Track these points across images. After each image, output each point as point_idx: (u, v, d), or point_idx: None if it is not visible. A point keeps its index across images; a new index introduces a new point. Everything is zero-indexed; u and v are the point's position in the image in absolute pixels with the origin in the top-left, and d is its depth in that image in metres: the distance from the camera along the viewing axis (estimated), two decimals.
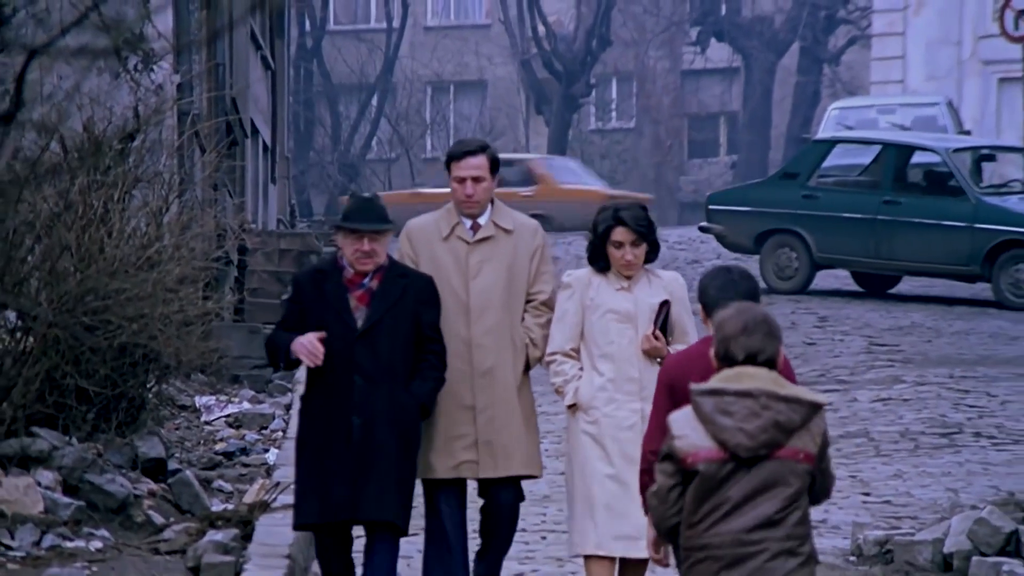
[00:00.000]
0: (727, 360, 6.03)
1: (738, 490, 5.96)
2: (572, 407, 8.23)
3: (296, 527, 8.18)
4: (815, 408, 6.00)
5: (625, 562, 8.17)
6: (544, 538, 10.41)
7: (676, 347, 8.09)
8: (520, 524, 8.60)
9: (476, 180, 8.38)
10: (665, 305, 8.17)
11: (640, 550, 7.88)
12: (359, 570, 8.12)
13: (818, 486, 6.10)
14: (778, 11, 46.23)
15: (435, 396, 8.12)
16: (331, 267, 8.17)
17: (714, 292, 6.88)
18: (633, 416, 8.11)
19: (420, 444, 8.15)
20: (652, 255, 8.30)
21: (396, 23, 46.35)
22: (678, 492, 6.03)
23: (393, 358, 8.03)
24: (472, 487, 8.49)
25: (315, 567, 8.42)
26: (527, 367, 8.48)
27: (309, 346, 7.86)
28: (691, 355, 7.04)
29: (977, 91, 35.10)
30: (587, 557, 8.19)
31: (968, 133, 28.87)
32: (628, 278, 8.23)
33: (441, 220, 8.49)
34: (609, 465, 8.12)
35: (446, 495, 8.31)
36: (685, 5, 48.25)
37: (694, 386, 6.10)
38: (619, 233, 8.16)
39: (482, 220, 8.45)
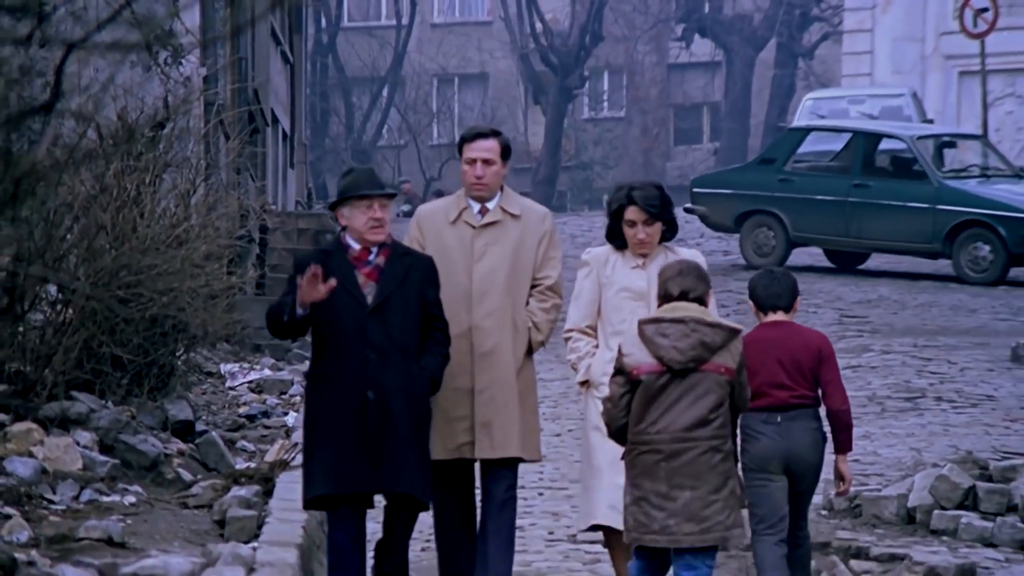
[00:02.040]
0: (666, 297, 7.04)
1: (674, 396, 6.91)
2: (584, 383, 7.80)
3: (307, 502, 7.56)
4: (734, 332, 7.00)
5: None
6: (541, 494, 10.42)
7: None
8: (519, 482, 8.11)
9: (487, 163, 7.92)
10: None
11: None
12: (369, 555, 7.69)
13: (737, 396, 7.02)
14: (757, 9, 46.15)
15: (443, 370, 7.60)
16: (335, 246, 7.63)
17: (761, 290, 7.85)
18: None
19: (431, 417, 7.64)
20: (669, 233, 7.85)
21: (405, 20, 46.29)
22: (627, 399, 6.99)
23: (404, 333, 7.49)
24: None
25: None
26: (530, 350, 7.99)
27: (307, 275, 7.24)
28: (748, 340, 7.49)
29: (939, 83, 35.06)
30: (606, 532, 7.75)
31: (931, 122, 28.84)
32: (644, 256, 7.77)
33: (450, 205, 8.05)
34: (614, 443, 7.46)
35: (449, 476, 7.87)
36: (671, 3, 48.15)
37: (641, 317, 7.15)
38: (631, 212, 7.73)
39: (490, 205, 7.97)
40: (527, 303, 7.98)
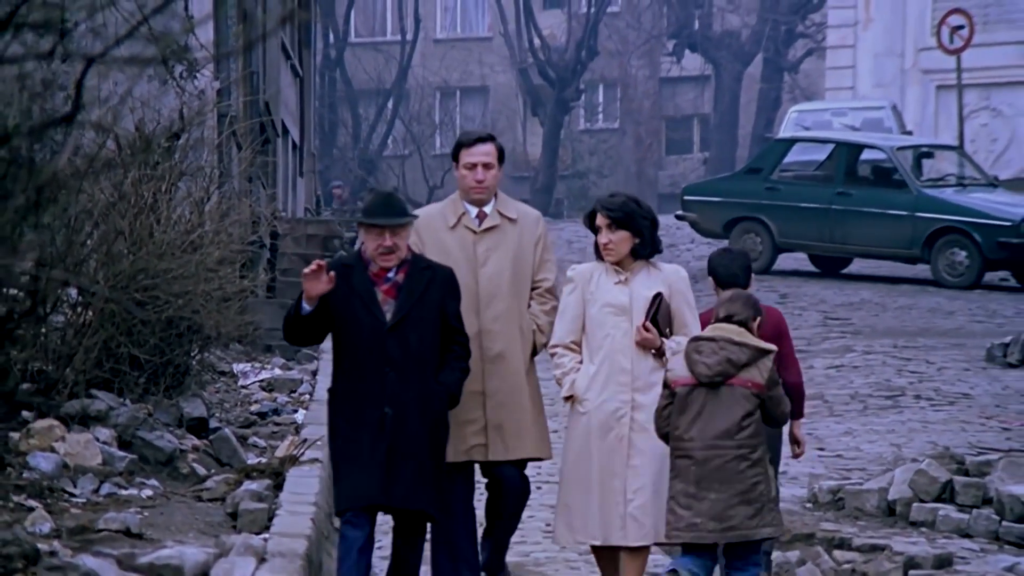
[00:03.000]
0: (716, 319, 7.45)
1: (704, 407, 7.25)
2: (569, 398, 7.51)
3: (338, 513, 7.33)
4: (762, 352, 7.32)
5: (625, 551, 7.50)
6: (539, 488, 10.40)
7: (675, 339, 7.48)
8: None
9: (486, 167, 7.66)
10: (657, 297, 7.43)
11: (624, 538, 7.39)
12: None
13: (770, 409, 7.33)
14: (744, 26, 46.16)
15: (462, 385, 7.33)
16: (356, 261, 7.29)
17: (722, 269, 8.15)
18: (624, 407, 7.43)
19: (449, 431, 7.37)
20: (645, 248, 7.51)
21: (409, 36, 46.30)
22: (670, 410, 7.33)
23: (422, 349, 7.19)
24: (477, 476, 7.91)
25: None
26: (534, 352, 7.80)
27: (309, 268, 7.07)
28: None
29: (918, 97, 35.08)
30: (594, 548, 7.57)
31: (910, 133, 28.86)
32: (621, 267, 7.48)
33: (447, 210, 7.76)
34: (602, 452, 7.41)
35: (456, 478, 7.58)
36: (663, 20, 48.14)
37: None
38: (598, 218, 7.51)
39: (488, 209, 7.72)
40: (528, 305, 7.78)
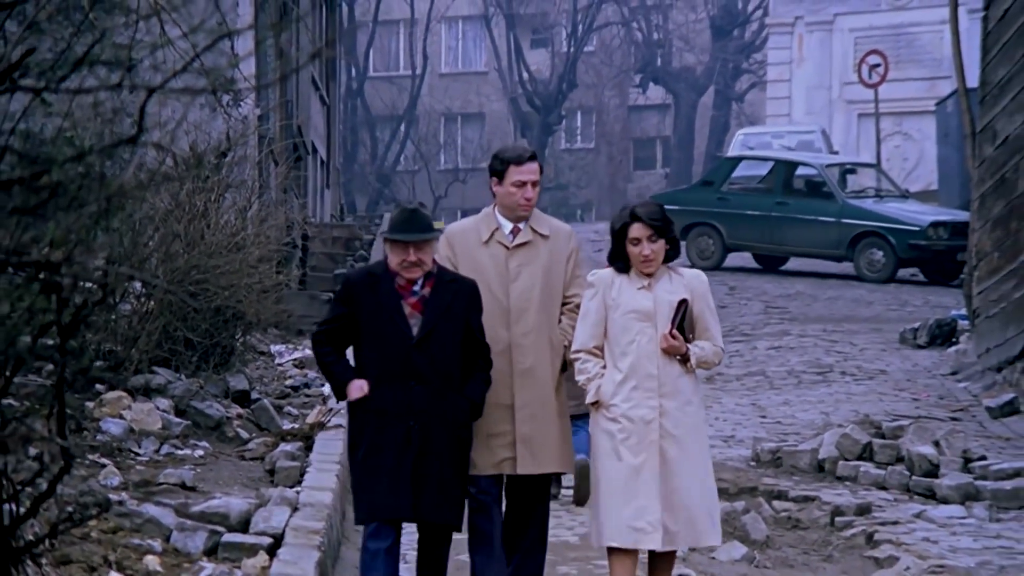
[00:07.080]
0: None
1: None
2: (595, 404, 6.31)
3: (359, 521, 6.27)
4: None
5: (654, 555, 6.36)
6: None
7: (699, 343, 6.28)
8: None
9: (534, 184, 6.52)
10: (682, 304, 6.23)
11: (654, 543, 6.21)
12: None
13: None
14: (699, 63, 46.16)
15: (485, 396, 6.32)
16: (383, 272, 6.27)
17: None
18: (652, 412, 6.22)
19: (472, 443, 6.38)
20: (672, 253, 6.34)
21: (419, 71, 46.28)
22: None
23: (447, 363, 6.19)
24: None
25: None
26: (563, 367, 6.61)
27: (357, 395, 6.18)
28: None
29: (843, 123, 35.14)
30: (609, 549, 6.31)
31: (837, 153, 28.88)
32: (648, 276, 6.30)
33: (481, 224, 6.62)
34: (630, 456, 6.22)
35: (486, 490, 6.49)
36: (631, 57, 48.11)
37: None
38: (635, 230, 6.25)
39: (521, 225, 6.59)
40: (559, 321, 6.62)
